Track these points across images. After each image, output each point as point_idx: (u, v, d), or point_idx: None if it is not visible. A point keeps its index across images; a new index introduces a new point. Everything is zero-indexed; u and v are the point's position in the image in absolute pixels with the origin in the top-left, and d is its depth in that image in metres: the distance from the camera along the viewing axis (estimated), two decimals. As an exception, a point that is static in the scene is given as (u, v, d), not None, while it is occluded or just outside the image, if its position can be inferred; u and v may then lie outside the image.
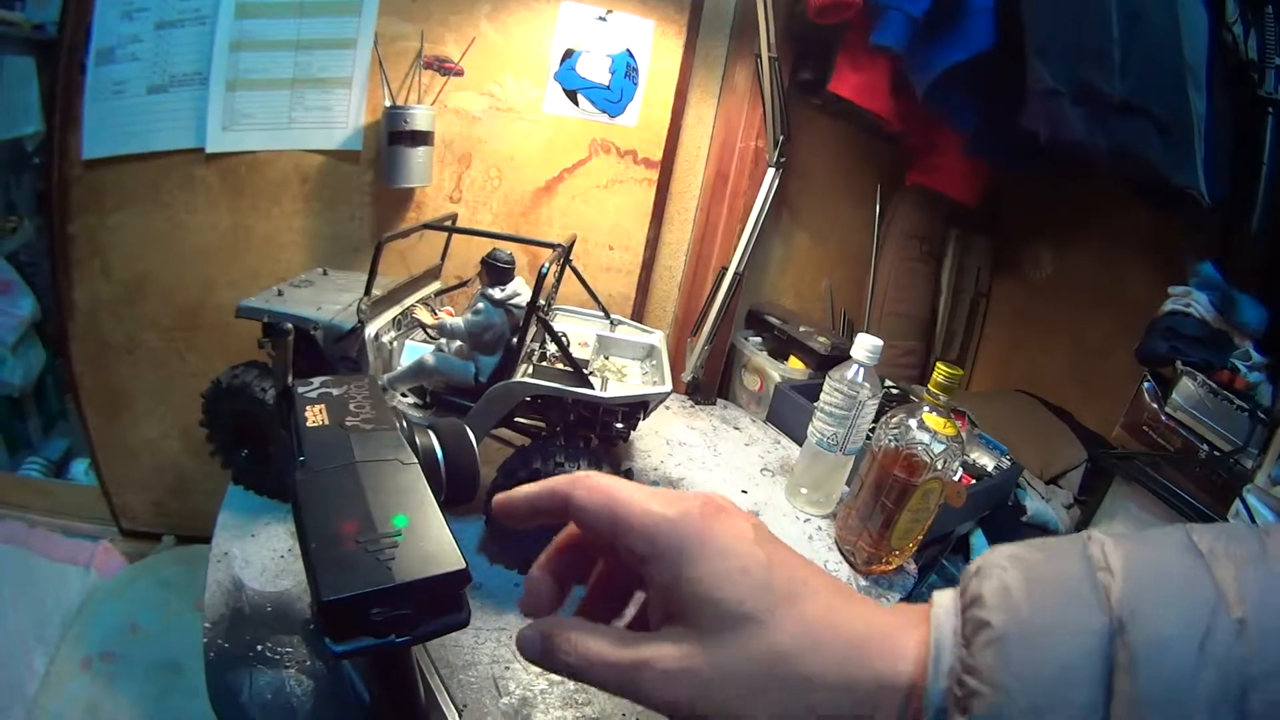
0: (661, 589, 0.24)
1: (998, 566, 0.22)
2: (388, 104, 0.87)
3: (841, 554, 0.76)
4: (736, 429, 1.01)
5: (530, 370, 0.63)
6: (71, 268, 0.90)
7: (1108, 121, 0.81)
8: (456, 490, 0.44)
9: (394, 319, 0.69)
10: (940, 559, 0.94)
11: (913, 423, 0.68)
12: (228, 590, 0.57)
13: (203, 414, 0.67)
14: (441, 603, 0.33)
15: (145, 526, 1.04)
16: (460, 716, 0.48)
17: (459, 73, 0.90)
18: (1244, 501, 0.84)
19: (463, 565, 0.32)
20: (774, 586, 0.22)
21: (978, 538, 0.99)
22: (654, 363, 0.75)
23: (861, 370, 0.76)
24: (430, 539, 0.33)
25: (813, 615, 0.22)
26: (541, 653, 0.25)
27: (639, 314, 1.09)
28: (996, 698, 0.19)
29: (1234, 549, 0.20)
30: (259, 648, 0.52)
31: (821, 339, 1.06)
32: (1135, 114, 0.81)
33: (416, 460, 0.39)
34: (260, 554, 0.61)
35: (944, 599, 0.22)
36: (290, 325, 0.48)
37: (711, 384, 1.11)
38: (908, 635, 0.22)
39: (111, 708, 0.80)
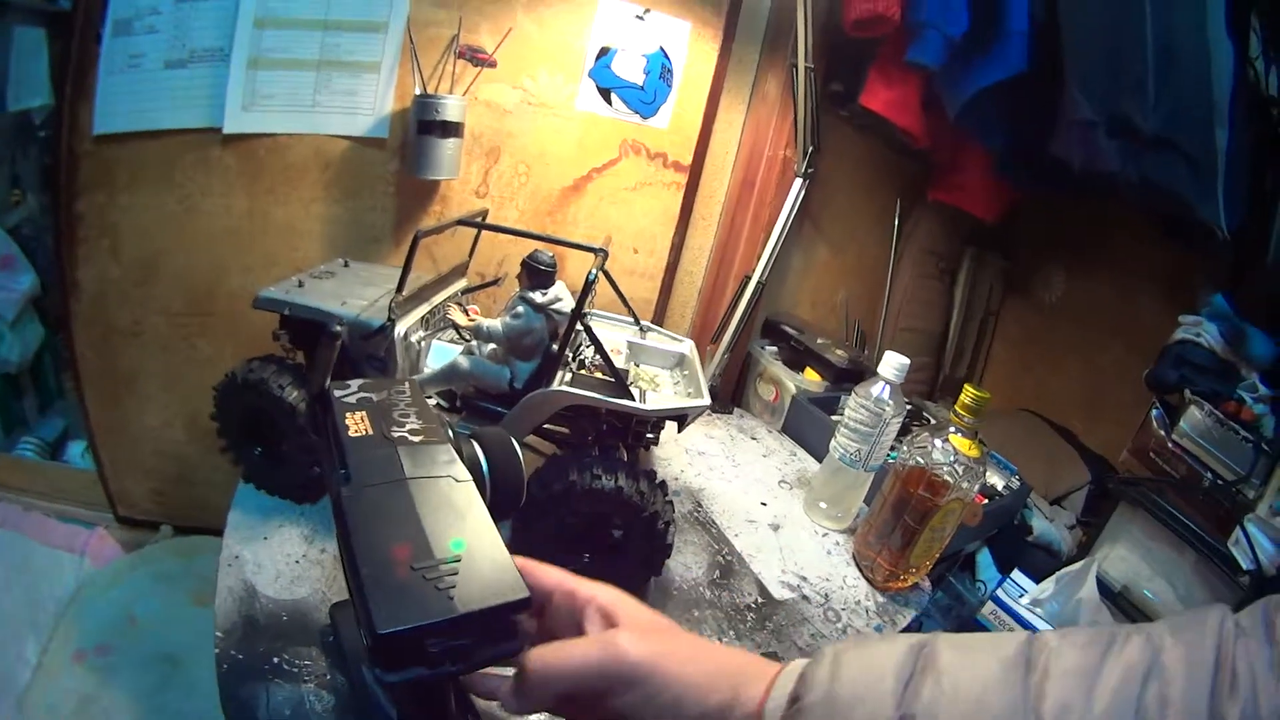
0: (608, 606, 0.37)
1: (828, 657, 0.32)
2: (418, 92, 0.85)
3: (859, 569, 0.76)
4: (754, 439, 1.01)
5: (569, 378, 0.62)
6: (77, 246, 0.86)
7: (1140, 154, 0.82)
8: (500, 504, 0.42)
9: (422, 317, 0.67)
10: (948, 576, 0.96)
11: (937, 443, 0.69)
12: (240, 597, 0.54)
13: (214, 408, 0.65)
14: (498, 631, 0.32)
15: (143, 515, 1.01)
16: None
17: (492, 64, 0.88)
18: (1245, 530, 0.86)
19: (526, 594, 0.31)
20: (675, 626, 0.38)
21: (984, 555, 1.01)
22: (685, 372, 0.74)
23: (888, 388, 0.76)
24: (489, 565, 0.32)
25: (698, 641, 0.37)
26: (517, 685, 0.34)
27: (660, 318, 1.08)
28: None
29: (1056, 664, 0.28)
30: (275, 660, 0.49)
31: (839, 352, 1.06)
32: (1165, 147, 0.82)
33: (470, 477, 0.38)
34: (274, 559, 0.59)
35: (790, 673, 0.33)
36: (340, 328, 0.46)
37: (728, 392, 1.10)
38: (757, 682, 0.33)
39: (106, 701, 0.78)
